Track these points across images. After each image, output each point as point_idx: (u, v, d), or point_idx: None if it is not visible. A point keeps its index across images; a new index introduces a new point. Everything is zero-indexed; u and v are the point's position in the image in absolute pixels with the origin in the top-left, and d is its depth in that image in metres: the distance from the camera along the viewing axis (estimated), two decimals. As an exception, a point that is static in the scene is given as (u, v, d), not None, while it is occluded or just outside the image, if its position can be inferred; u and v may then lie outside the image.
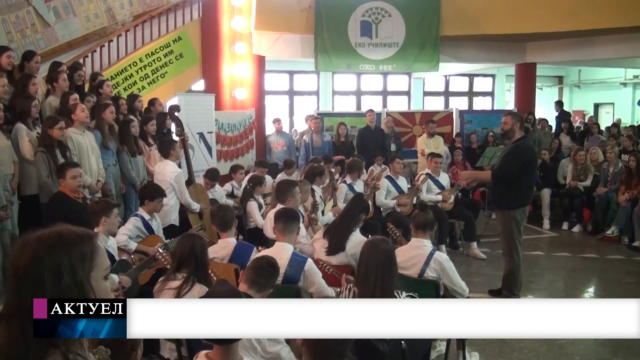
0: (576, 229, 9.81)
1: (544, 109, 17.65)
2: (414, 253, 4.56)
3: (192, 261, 3.81)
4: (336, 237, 4.90)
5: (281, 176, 8.48)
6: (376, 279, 3.42)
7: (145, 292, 4.36)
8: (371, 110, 11.65)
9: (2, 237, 5.60)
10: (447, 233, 8.29)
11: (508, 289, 6.16)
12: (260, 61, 12.25)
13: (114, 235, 4.99)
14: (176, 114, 8.25)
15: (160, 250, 4.85)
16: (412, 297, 3.57)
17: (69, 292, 1.46)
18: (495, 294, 6.36)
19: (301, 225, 5.38)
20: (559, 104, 14.54)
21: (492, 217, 9.25)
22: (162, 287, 3.81)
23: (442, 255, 4.57)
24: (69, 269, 1.47)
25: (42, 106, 6.90)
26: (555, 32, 11.83)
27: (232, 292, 2.68)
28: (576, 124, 15.78)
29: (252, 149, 11.61)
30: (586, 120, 15.91)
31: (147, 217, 5.60)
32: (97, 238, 1.59)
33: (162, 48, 11.11)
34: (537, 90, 15.14)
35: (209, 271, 3.98)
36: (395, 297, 3.46)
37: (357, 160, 8.44)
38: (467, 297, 4.60)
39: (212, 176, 7.82)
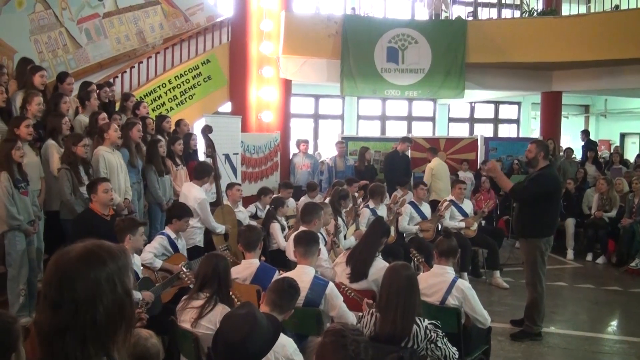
0: (600, 260, 9.69)
1: (570, 138, 17.52)
2: (436, 280, 4.53)
3: (215, 281, 3.82)
4: (359, 264, 4.91)
5: (304, 199, 8.50)
6: (397, 305, 3.42)
7: (168, 310, 4.40)
8: (408, 139, 11.69)
9: (29, 251, 5.70)
10: (469, 261, 8.24)
11: (530, 319, 6.09)
12: (287, 85, 12.38)
13: (139, 253, 5.06)
14: (208, 135, 8.32)
15: (184, 269, 4.90)
16: (435, 325, 3.55)
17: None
18: (517, 324, 6.29)
19: (323, 248, 5.40)
20: (586, 133, 14.35)
21: (516, 245, 9.16)
22: (185, 305, 3.84)
23: (464, 283, 4.53)
24: (119, 279, 1.55)
25: (72, 124, 7.06)
26: (582, 61, 11.79)
27: (249, 315, 2.70)
28: (601, 153, 15.59)
29: (277, 171, 11.68)
30: (611, 150, 15.72)
31: (173, 235, 5.66)
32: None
33: (190, 70, 11.31)
34: (562, 118, 15.05)
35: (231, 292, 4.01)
36: (417, 324, 3.45)
37: (380, 184, 8.44)
38: (489, 327, 4.57)
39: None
